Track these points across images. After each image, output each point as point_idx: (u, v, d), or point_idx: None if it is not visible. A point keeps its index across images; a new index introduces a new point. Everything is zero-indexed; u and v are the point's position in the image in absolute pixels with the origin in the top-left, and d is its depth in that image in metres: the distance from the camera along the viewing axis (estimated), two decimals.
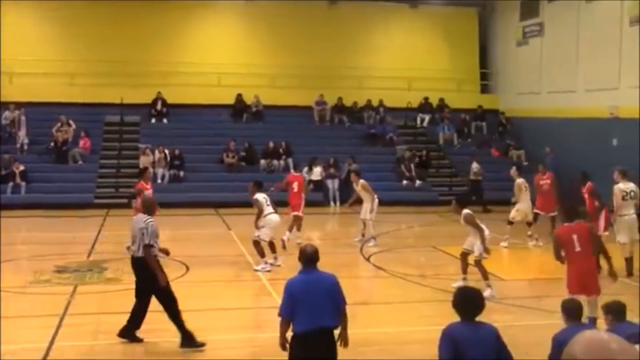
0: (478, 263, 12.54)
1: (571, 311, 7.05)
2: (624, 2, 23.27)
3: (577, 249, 9.54)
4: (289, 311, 6.89)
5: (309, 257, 7.06)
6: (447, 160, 27.78)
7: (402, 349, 9.78)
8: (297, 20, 29.76)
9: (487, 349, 5.99)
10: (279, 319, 6.95)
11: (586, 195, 14.83)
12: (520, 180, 17.78)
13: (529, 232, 17.61)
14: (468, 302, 6.17)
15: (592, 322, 9.13)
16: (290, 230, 16.31)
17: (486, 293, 11.50)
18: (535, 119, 27.90)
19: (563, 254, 9.66)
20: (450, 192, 25.59)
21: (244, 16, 29.87)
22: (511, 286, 13.36)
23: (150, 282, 9.35)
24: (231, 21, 30.09)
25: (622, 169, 14.21)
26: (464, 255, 12.95)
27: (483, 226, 12.54)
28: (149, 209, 9.75)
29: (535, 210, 17.71)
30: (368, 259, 15.67)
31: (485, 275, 12.45)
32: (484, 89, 32.36)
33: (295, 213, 16.63)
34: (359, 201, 17.73)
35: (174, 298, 9.49)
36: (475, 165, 24.71)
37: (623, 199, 13.84)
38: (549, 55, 27.62)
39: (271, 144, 26.24)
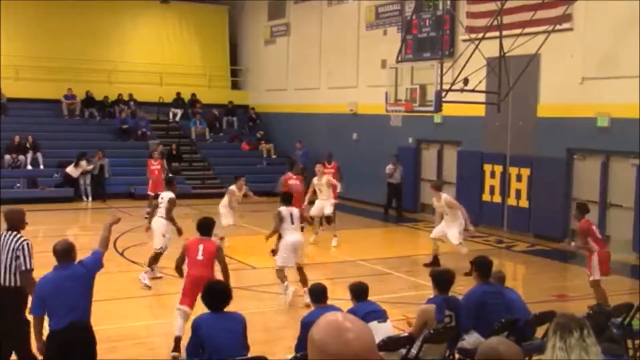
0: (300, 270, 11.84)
1: (317, 295, 7.78)
2: (360, 8, 25.11)
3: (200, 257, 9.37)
4: (39, 309, 6.82)
5: (62, 252, 6.95)
6: (199, 154, 28.26)
7: (156, 341, 10.14)
8: (44, 10, 28.58)
9: (235, 335, 6.69)
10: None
11: (332, 171, 18.75)
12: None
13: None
14: (214, 295, 6.86)
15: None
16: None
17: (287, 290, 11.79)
18: (283, 114, 29.16)
19: None
20: (203, 185, 26.23)
21: None
22: (262, 274, 13.95)
23: (22, 323, 7.44)
24: None
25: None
26: (281, 272, 11.89)
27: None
28: (16, 223, 7.75)
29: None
30: (122, 254, 15.73)
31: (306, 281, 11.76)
32: (235, 85, 33.26)
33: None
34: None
35: None
36: (390, 167, 22.11)
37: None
38: (295, 54, 28.96)
39: (17, 139, 25.04)
